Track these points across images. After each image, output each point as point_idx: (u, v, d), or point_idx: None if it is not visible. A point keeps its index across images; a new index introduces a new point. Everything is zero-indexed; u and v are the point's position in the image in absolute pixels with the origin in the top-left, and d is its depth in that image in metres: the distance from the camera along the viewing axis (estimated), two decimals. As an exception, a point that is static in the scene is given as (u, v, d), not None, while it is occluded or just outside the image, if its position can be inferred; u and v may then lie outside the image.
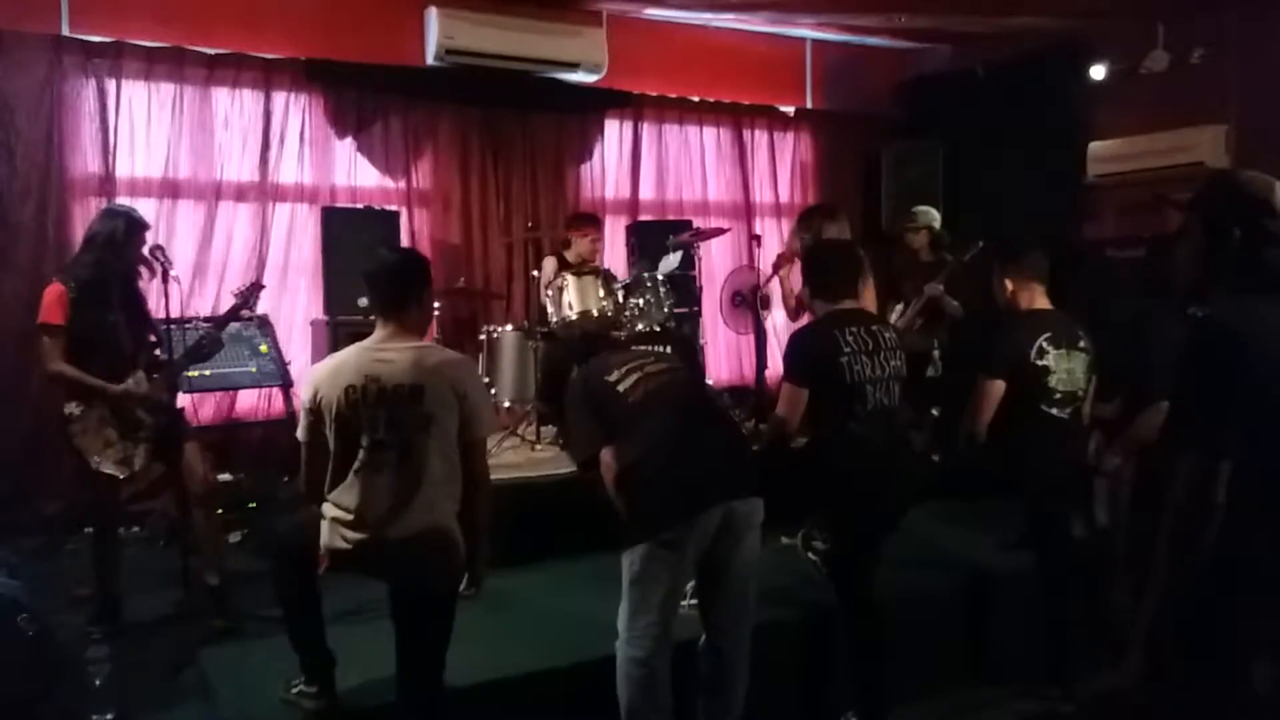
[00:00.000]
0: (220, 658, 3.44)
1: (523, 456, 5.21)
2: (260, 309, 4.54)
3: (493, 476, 3.09)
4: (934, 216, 5.88)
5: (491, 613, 3.56)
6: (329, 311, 5.58)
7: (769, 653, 3.34)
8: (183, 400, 4.20)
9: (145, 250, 3.80)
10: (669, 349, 5.23)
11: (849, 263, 3.63)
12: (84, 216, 5.30)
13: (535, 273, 5.90)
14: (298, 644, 3.01)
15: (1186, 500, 1.94)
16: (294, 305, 5.92)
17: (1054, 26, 6.37)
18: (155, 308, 4.00)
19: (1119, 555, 4.10)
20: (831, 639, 3.66)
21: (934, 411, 5.30)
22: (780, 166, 7.63)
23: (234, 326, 4.26)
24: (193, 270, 5.52)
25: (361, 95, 6.06)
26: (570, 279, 5.25)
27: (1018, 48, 6.70)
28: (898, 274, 5.78)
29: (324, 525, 2.83)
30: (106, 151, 5.38)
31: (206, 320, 4.87)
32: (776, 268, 5.07)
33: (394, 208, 6.10)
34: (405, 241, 6.05)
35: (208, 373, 4.83)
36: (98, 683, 2.93)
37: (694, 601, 3.21)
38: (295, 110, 5.90)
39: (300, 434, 2.88)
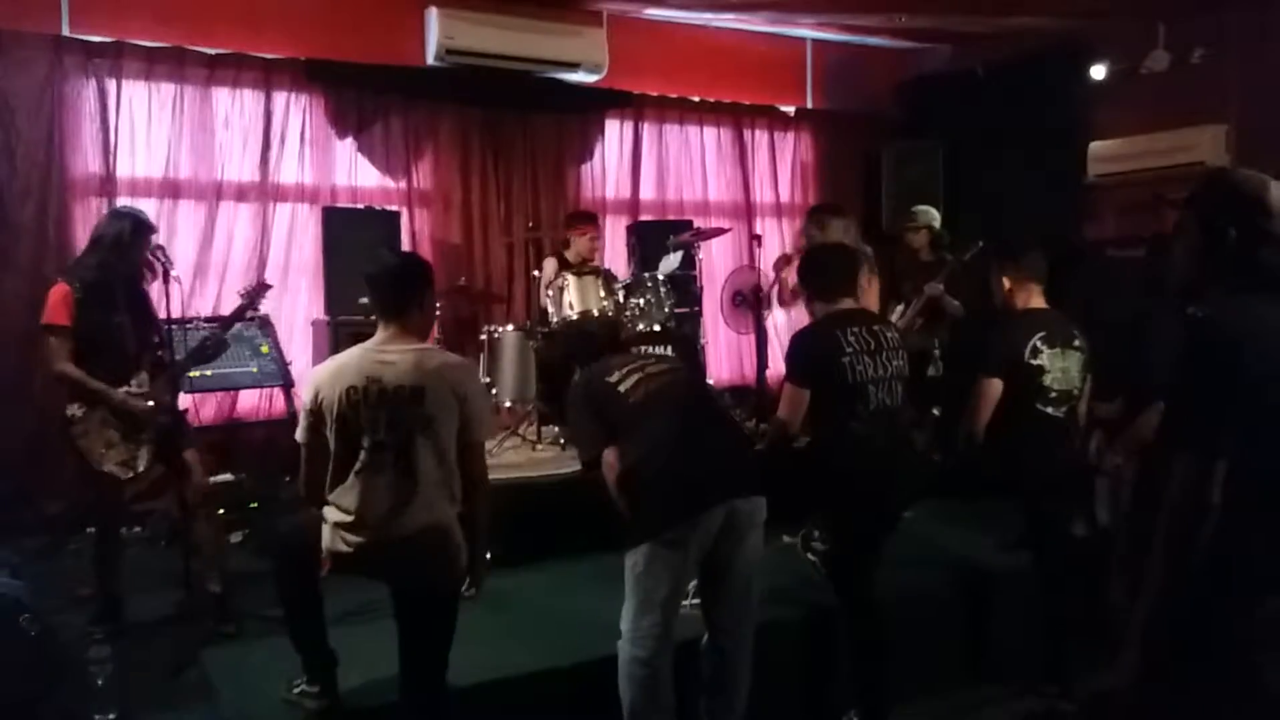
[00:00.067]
0: (222, 658, 3.44)
1: (524, 456, 5.21)
2: (261, 309, 4.54)
3: (494, 476, 3.10)
4: (934, 216, 5.88)
5: (493, 613, 3.56)
6: (330, 311, 5.58)
7: (770, 652, 3.34)
8: (184, 400, 4.20)
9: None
10: (670, 349, 5.24)
11: (846, 263, 3.63)
12: (84, 217, 5.31)
13: (536, 273, 5.90)
14: (299, 644, 3.02)
15: (1182, 500, 1.94)
16: (295, 305, 5.92)
17: (1054, 26, 6.37)
18: (156, 308, 4.00)
19: (1119, 554, 4.10)
20: (832, 638, 3.67)
21: (935, 411, 5.30)
22: (781, 166, 7.63)
23: (235, 326, 4.26)
24: (193, 270, 5.51)
25: (362, 95, 6.06)
26: (571, 279, 5.25)
27: (1018, 47, 6.70)
28: (898, 274, 5.79)
29: (325, 528, 2.84)
30: (107, 151, 5.38)
31: (208, 320, 4.88)
32: (778, 269, 5.07)
33: (395, 208, 6.10)
34: (406, 241, 6.05)
35: (209, 373, 4.83)
36: (99, 683, 2.93)
37: (696, 601, 3.22)
38: (296, 110, 5.90)
39: (300, 435, 2.89)
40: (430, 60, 6.09)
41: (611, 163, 7.02)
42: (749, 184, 7.48)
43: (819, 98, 7.70)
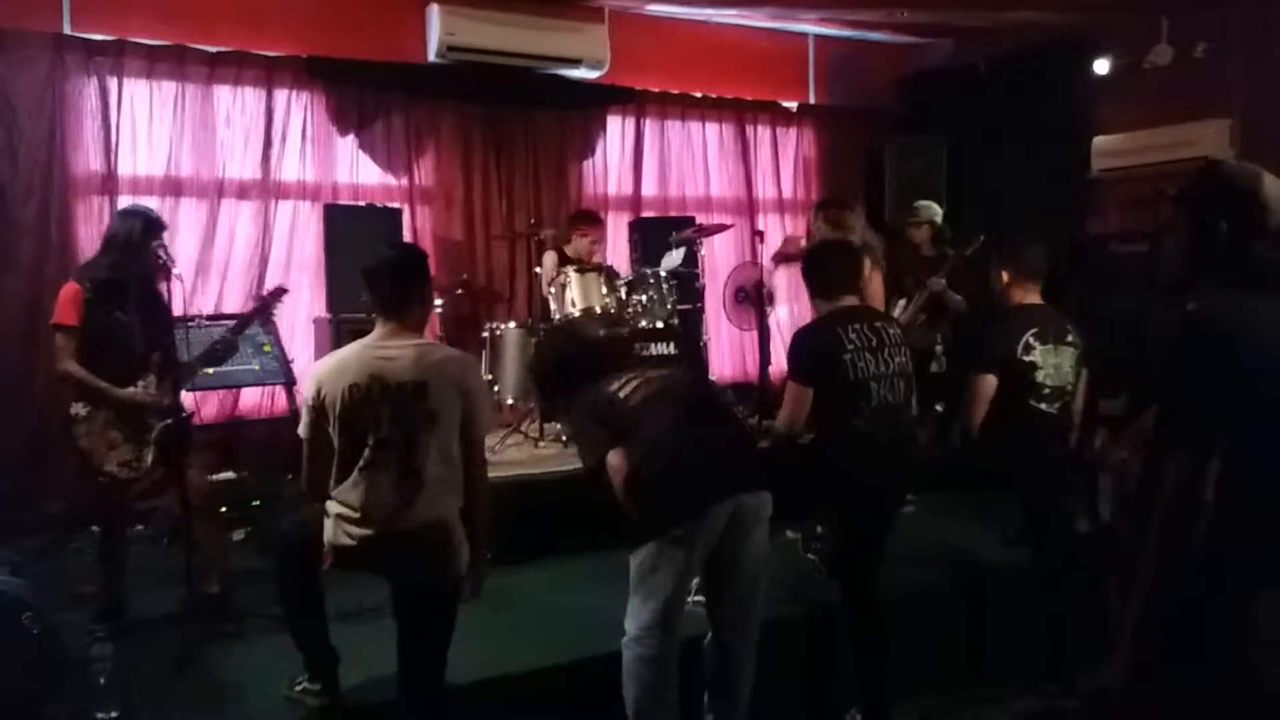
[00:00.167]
0: (224, 655, 3.45)
1: (526, 453, 5.21)
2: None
3: (495, 474, 3.10)
4: (935, 211, 5.86)
5: (494, 610, 3.55)
6: (332, 309, 5.58)
7: (773, 649, 3.33)
8: (186, 399, 4.19)
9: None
10: (672, 346, 5.24)
11: (848, 261, 3.63)
12: (86, 215, 5.32)
13: (537, 269, 5.90)
14: (301, 641, 3.03)
15: (1176, 499, 1.93)
16: (296, 303, 5.89)
17: (1057, 21, 6.35)
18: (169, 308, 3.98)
19: (1119, 552, 4.09)
20: (834, 636, 3.66)
21: (938, 407, 5.29)
22: (783, 162, 7.62)
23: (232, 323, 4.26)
24: (195, 268, 5.51)
25: (363, 92, 6.06)
26: (573, 275, 5.25)
27: (1020, 42, 6.67)
28: (900, 269, 5.77)
29: (328, 522, 2.84)
30: (109, 150, 5.38)
31: (211, 318, 4.88)
32: (779, 261, 5.07)
33: (396, 205, 6.11)
34: (407, 239, 6.03)
35: (210, 371, 4.82)
36: (101, 681, 2.92)
37: (700, 598, 3.21)
38: (297, 108, 5.90)
39: (302, 431, 2.88)
40: (431, 57, 6.08)
41: (613, 159, 7.01)
42: (751, 180, 7.47)
43: (821, 93, 7.68)
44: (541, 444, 5.33)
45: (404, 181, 6.25)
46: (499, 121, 6.52)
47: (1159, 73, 6.03)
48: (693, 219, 6.80)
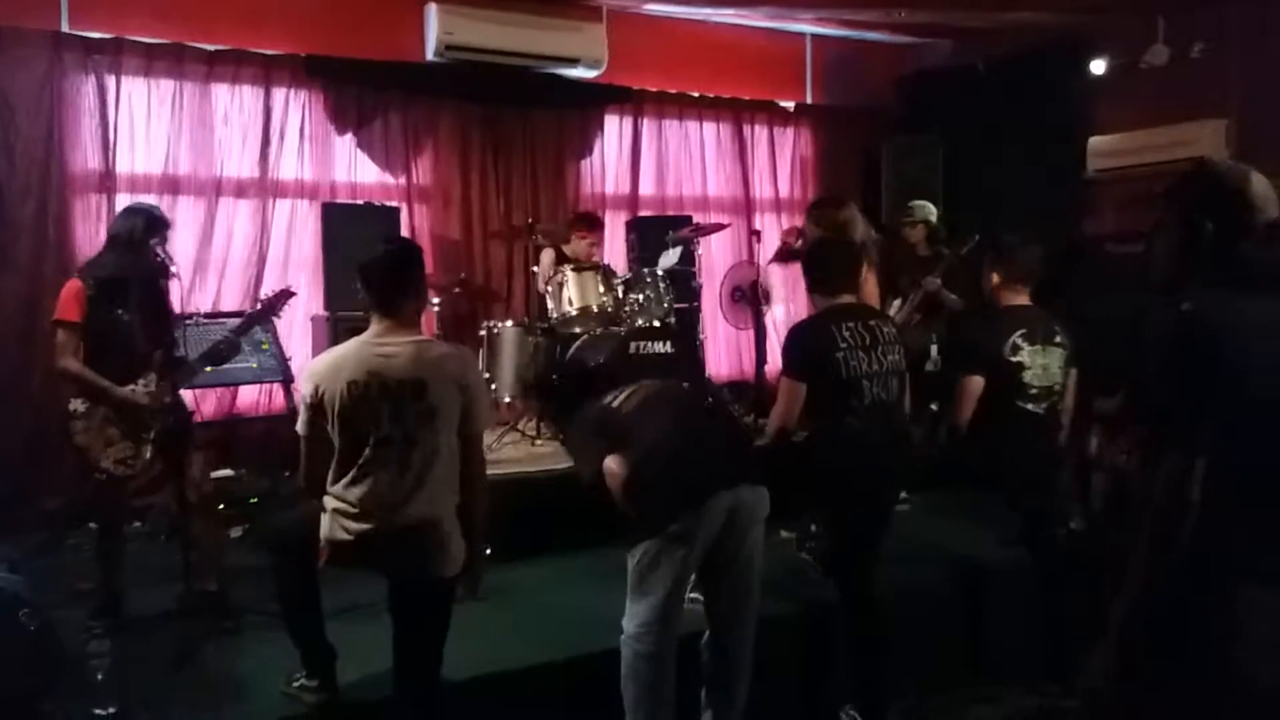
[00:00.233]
0: (222, 652, 3.45)
1: (523, 451, 5.22)
2: (260, 305, 4.54)
3: (493, 471, 3.10)
4: (931, 211, 5.87)
5: (491, 607, 3.56)
6: (329, 307, 5.59)
7: (769, 647, 3.34)
8: (186, 397, 4.19)
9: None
10: (669, 344, 5.24)
11: (847, 259, 3.64)
12: (84, 213, 5.32)
13: (535, 268, 5.91)
14: (298, 638, 3.03)
15: (1166, 500, 1.94)
16: (294, 301, 5.84)
17: (1054, 21, 6.36)
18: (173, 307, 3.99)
19: (1110, 550, 4.11)
20: (831, 634, 3.67)
21: (933, 406, 5.30)
22: (780, 162, 7.63)
23: (232, 322, 4.26)
24: (193, 266, 5.51)
25: (361, 91, 6.07)
26: (570, 274, 5.26)
27: (1018, 42, 6.69)
28: (895, 269, 5.78)
29: (325, 518, 2.84)
30: (107, 148, 5.38)
31: (209, 316, 4.88)
32: (778, 258, 5.07)
33: (394, 204, 6.11)
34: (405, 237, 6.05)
35: (208, 369, 4.83)
36: (99, 677, 2.93)
37: (697, 595, 3.22)
38: (295, 106, 5.91)
39: (300, 428, 2.89)
40: (430, 56, 6.09)
41: (611, 158, 7.02)
42: (748, 179, 7.49)
43: (818, 93, 7.70)
44: (539, 442, 5.34)
45: (402, 180, 6.26)
46: (497, 120, 6.52)
47: (1155, 73, 6.04)
48: (690, 218, 6.81)
